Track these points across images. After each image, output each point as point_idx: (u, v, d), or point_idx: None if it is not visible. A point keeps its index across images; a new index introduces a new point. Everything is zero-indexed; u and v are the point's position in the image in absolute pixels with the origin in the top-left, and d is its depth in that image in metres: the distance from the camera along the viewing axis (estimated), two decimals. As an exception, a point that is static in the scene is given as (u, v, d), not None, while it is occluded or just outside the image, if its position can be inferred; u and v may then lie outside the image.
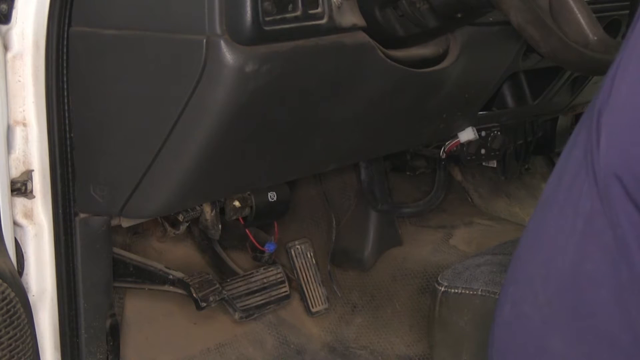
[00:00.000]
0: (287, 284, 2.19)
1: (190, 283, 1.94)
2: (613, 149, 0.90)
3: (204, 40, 1.23)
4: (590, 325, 0.97)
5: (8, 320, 1.26)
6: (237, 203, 1.94)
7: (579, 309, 0.97)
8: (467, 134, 2.07)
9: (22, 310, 1.29)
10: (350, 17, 1.39)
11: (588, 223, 0.95)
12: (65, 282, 1.44)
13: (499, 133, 2.26)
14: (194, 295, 1.93)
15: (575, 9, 1.39)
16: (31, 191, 1.39)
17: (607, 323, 0.95)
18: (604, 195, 0.91)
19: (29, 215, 1.41)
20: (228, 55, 1.24)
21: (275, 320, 2.17)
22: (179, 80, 1.28)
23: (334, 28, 1.36)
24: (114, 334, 1.55)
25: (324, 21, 1.34)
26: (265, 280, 2.16)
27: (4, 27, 1.36)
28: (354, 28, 1.40)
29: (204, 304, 1.94)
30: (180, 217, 1.93)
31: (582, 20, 1.39)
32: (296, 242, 2.27)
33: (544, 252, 1.01)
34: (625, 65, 0.91)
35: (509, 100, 2.12)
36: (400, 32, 1.55)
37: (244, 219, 1.99)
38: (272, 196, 1.99)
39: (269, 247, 2.15)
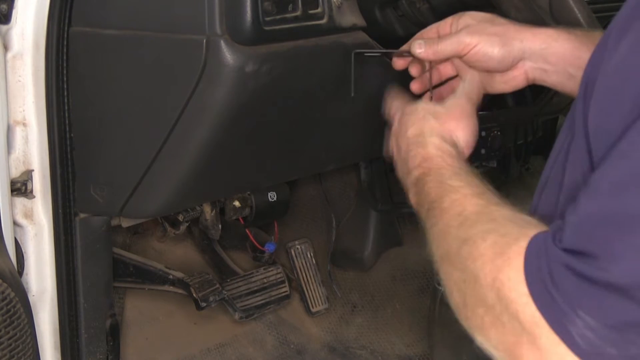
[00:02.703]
0: (287, 284, 2.19)
1: (190, 283, 1.94)
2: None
3: (204, 40, 1.23)
4: None
5: (8, 320, 1.26)
6: (237, 203, 1.94)
7: None
8: (467, 134, 2.07)
9: (22, 310, 1.29)
10: (350, 17, 1.39)
11: None
12: (65, 282, 1.44)
13: (499, 133, 2.26)
14: (194, 295, 1.93)
15: (575, 9, 1.39)
16: (31, 191, 1.39)
17: None
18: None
19: (29, 215, 1.40)
20: (228, 55, 1.24)
21: (275, 320, 2.17)
22: (179, 80, 1.28)
23: (334, 28, 1.36)
24: (114, 334, 1.54)
25: (324, 21, 1.34)
26: (265, 280, 2.15)
27: (4, 27, 1.35)
28: (353, 28, 1.40)
29: (204, 304, 1.94)
30: (180, 217, 1.93)
31: (582, 20, 1.39)
32: (296, 242, 2.27)
33: None
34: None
35: (509, 100, 2.11)
36: (400, 32, 1.55)
37: (244, 219, 1.99)
38: (272, 196, 1.99)
39: (269, 247, 2.15)
